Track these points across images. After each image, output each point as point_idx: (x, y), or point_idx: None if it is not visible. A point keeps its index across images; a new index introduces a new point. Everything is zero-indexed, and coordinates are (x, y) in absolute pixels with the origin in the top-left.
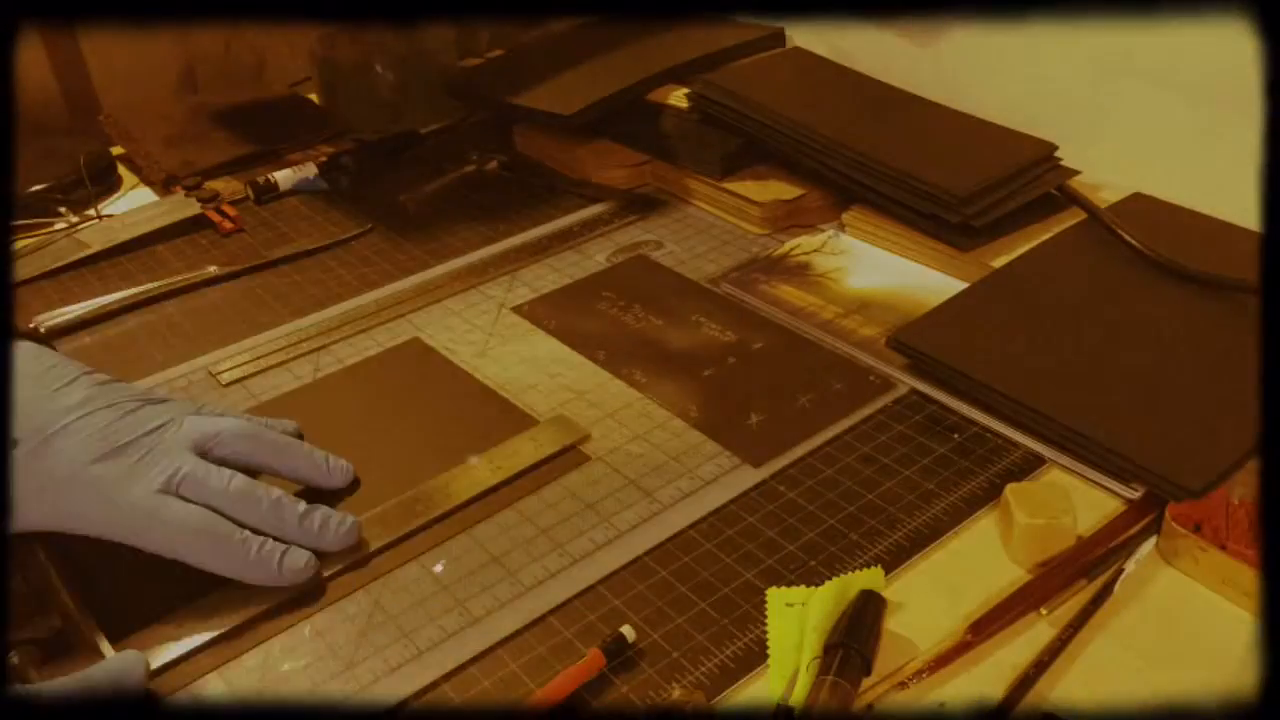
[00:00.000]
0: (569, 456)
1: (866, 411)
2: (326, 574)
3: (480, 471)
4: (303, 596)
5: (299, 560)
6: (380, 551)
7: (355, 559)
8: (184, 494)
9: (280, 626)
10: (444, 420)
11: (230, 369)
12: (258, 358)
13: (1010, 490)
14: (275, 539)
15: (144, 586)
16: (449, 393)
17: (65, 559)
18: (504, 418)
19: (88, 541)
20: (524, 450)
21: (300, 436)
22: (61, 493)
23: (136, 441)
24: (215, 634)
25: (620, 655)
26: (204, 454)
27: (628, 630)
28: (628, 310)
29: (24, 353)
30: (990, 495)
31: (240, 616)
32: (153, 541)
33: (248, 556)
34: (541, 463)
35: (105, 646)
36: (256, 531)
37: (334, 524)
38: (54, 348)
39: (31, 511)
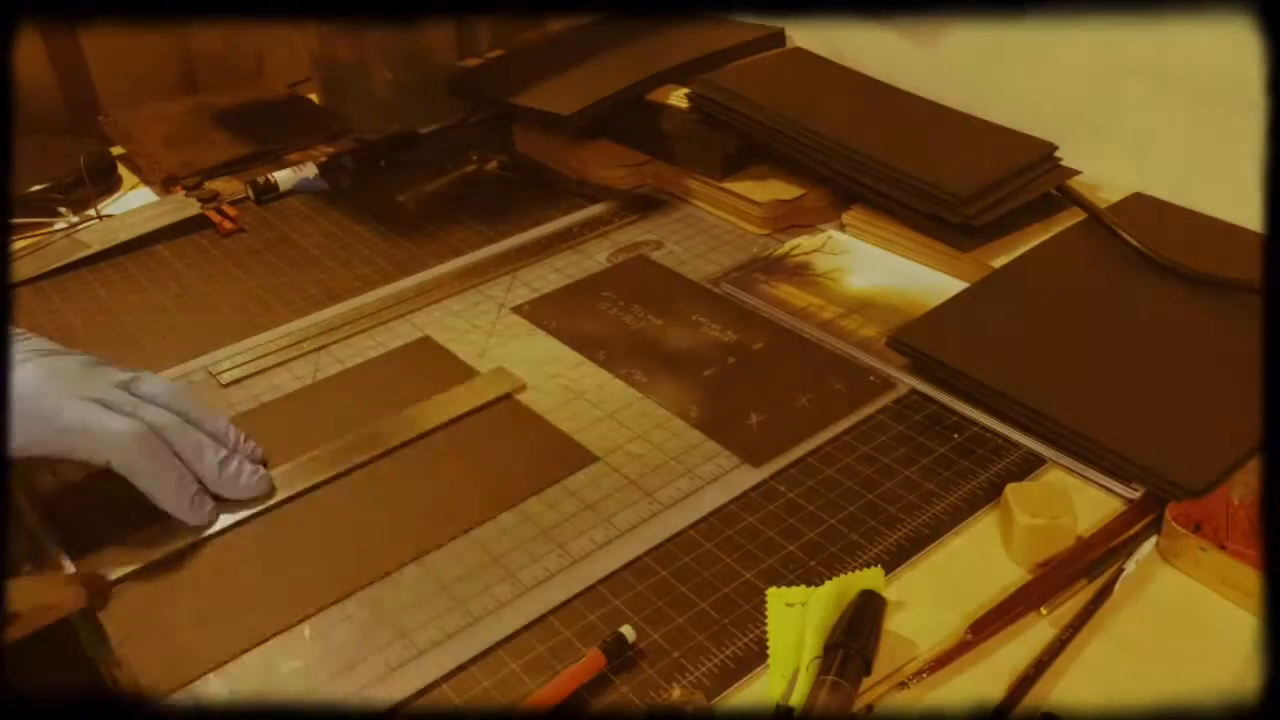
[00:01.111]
0: (571, 456)
1: (867, 411)
2: (231, 521)
3: (423, 413)
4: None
5: (208, 504)
6: (293, 499)
7: (260, 509)
8: (119, 410)
9: (280, 626)
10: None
11: (230, 369)
12: (257, 358)
13: (1010, 490)
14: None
15: (102, 512)
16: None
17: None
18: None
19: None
20: (461, 398)
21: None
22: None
23: (74, 369)
24: (164, 553)
25: (620, 655)
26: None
27: (628, 630)
28: (628, 310)
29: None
30: (990, 495)
31: (183, 541)
32: (86, 450)
33: (170, 479)
34: (480, 409)
35: (67, 564)
36: None
37: (246, 474)
38: None
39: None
